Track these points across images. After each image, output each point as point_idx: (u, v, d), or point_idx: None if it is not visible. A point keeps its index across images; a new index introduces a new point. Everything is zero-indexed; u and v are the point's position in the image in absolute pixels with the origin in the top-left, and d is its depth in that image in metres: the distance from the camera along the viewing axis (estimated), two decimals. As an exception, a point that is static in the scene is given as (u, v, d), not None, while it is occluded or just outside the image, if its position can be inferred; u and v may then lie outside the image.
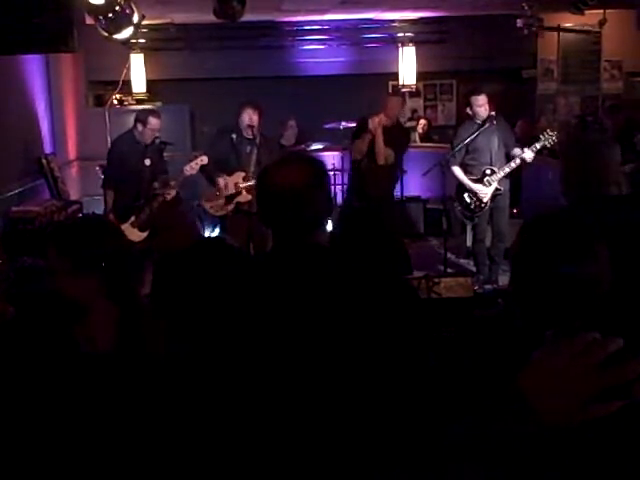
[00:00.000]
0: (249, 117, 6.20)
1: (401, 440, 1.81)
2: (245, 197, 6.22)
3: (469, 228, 7.15)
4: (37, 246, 5.37)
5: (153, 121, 6.29)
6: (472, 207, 6.48)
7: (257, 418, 1.81)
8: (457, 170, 6.45)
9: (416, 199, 8.79)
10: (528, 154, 6.29)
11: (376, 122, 6.38)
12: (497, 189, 6.40)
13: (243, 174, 6.27)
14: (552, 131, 6.35)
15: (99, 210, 6.76)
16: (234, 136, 6.27)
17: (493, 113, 6.38)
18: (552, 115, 10.18)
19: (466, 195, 6.48)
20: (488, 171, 6.37)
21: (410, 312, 1.89)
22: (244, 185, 6.23)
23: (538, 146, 6.30)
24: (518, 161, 6.35)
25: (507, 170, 6.37)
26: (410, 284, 2.43)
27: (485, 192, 6.39)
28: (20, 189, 6.71)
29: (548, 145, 6.32)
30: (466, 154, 6.43)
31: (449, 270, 6.89)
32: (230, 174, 6.30)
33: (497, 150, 6.40)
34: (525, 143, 7.00)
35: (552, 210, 1.79)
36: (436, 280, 5.25)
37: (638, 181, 5.72)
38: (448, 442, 1.17)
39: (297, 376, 1.79)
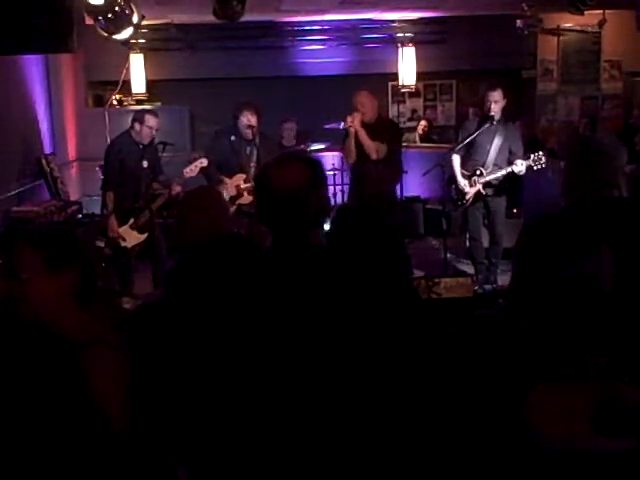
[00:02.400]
0: (247, 119, 6.16)
1: (403, 439, 1.81)
2: (246, 199, 6.19)
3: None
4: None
5: (151, 119, 6.22)
6: (455, 198, 6.55)
7: (257, 419, 1.81)
8: (455, 159, 6.51)
9: (416, 199, 8.80)
10: (520, 167, 6.18)
11: (349, 120, 6.28)
12: (480, 191, 6.39)
13: (244, 176, 6.23)
14: (542, 156, 6.20)
15: (98, 210, 6.75)
16: (232, 138, 6.24)
17: (493, 114, 6.36)
18: (552, 115, 10.19)
19: (453, 186, 6.55)
20: (478, 172, 6.37)
21: (411, 311, 1.89)
22: (245, 187, 6.22)
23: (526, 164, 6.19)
24: (506, 171, 6.28)
25: (493, 177, 6.31)
26: (411, 283, 2.43)
27: (467, 190, 6.42)
28: (20, 189, 6.70)
29: (535, 168, 6.21)
30: (467, 147, 6.46)
31: (449, 270, 6.89)
32: (230, 176, 6.27)
33: (496, 152, 6.33)
34: (523, 143, 6.98)
35: (553, 210, 1.79)
36: (436, 280, 5.25)
37: (638, 181, 5.72)
38: (448, 460, 1.17)
39: (298, 376, 1.79)
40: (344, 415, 1.76)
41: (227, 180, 6.26)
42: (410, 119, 10.48)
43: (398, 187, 7.66)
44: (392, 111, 10.21)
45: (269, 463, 1.79)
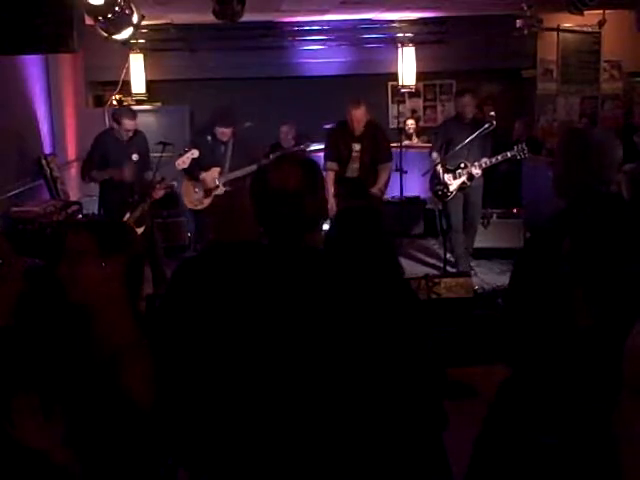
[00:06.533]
0: (222, 132, 6.73)
1: (398, 437, 1.81)
2: (222, 190, 6.62)
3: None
4: (37, 246, 5.37)
5: (127, 122, 6.39)
6: (439, 193, 6.97)
7: (250, 417, 1.81)
8: (435, 156, 7.00)
9: (415, 199, 8.80)
10: (476, 169, 6.80)
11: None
12: (464, 182, 6.89)
13: (218, 169, 6.74)
14: (525, 146, 6.79)
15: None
16: (209, 138, 6.78)
17: (493, 113, 6.63)
18: (552, 115, 10.18)
19: (436, 181, 6.96)
20: (462, 164, 6.85)
21: (406, 313, 1.89)
22: (220, 179, 6.69)
23: (509, 154, 6.78)
24: (485, 164, 6.83)
25: (474, 170, 6.82)
26: (408, 285, 2.43)
27: (451, 182, 6.89)
28: (20, 189, 6.70)
29: (519, 157, 6.82)
30: (446, 146, 6.91)
31: (449, 270, 6.91)
32: (206, 170, 6.74)
33: (470, 148, 6.81)
34: (523, 142, 7.11)
35: (553, 210, 1.77)
36: (436, 280, 5.27)
37: (638, 180, 5.70)
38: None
39: (291, 376, 1.79)
40: (338, 415, 1.76)
41: (204, 174, 6.74)
42: (410, 119, 10.46)
43: (398, 187, 7.72)
44: (392, 111, 10.22)
45: (262, 461, 1.79)
